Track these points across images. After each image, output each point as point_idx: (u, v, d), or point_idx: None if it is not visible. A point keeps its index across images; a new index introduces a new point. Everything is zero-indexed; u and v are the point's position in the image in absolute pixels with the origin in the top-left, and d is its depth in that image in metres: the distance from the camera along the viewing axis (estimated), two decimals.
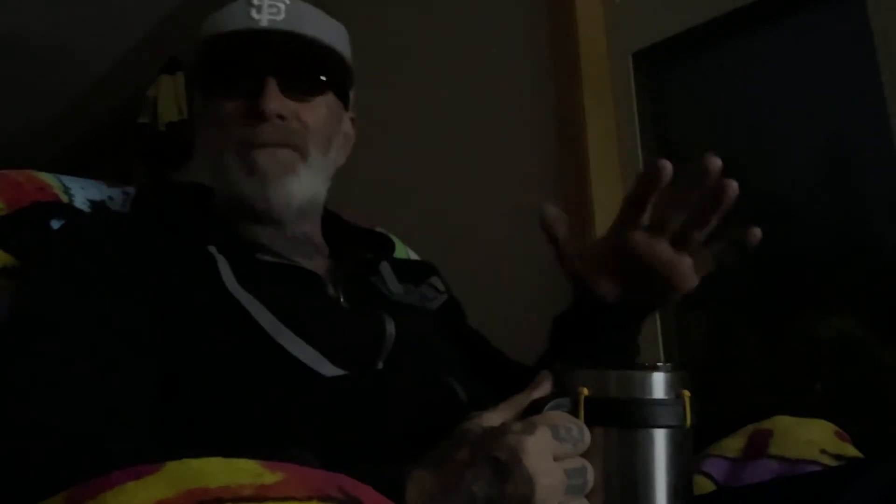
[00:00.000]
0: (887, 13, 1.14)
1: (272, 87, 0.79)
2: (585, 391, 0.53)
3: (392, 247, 0.94)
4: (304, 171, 0.80)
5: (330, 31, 0.84)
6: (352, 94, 0.90)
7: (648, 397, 0.53)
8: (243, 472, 0.40)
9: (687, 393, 0.54)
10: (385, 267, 0.88)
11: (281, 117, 0.79)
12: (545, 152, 1.47)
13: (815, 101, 1.27)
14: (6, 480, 0.49)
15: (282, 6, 0.82)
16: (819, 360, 1.21)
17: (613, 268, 0.75)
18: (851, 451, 0.80)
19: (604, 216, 1.37)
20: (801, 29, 1.30)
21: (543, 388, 0.57)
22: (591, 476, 0.51)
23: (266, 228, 0.81)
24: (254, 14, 0.81)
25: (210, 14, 0.84)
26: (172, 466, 0.40)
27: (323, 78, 0.83)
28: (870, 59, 1.15)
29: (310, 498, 0.39)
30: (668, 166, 0.66)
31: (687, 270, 0.72)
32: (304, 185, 0.81)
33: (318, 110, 0.82)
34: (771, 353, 1.28)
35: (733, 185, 0.66)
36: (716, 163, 0.65)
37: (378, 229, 0.98)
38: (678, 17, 1.40)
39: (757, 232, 0.70)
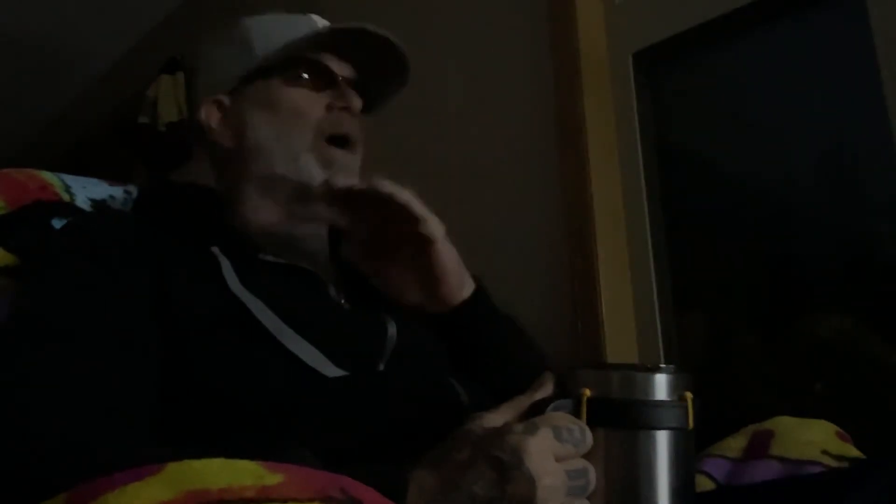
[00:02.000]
0: (887, 13, 1.14)
1: (353, 85, 0.85)
2: (588, 392, 0.53)
3: None
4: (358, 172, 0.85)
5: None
6: None
7: (651, 399, 0.53)
8: (245, 473, 0.40)
9: (689, 395, 0.54)
10: None
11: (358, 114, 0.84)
12: (545, 152, 1.46)
13: (815, 101, 1.27)
14: (7, 481, 0.49)
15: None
16: (819, 360, 1.21)
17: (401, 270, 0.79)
18: (853, 451, 0.80)
19: (604, 216, 1.37)
20: (801, 29, 1.30)
21: (545, 389, 0.57)
22: (592, 477, 0.51)
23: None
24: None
25: (253, 17, 0.88)
26: (174, 467, 0.40)
27: (387, 89, 0.92)
28: (870, 59, 1.15)
29: (311, 499, 0.39)
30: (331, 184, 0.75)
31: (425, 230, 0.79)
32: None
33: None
34: (771, 353, 1.27)
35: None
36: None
37: None
38: (678, 17, 1.40)
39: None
